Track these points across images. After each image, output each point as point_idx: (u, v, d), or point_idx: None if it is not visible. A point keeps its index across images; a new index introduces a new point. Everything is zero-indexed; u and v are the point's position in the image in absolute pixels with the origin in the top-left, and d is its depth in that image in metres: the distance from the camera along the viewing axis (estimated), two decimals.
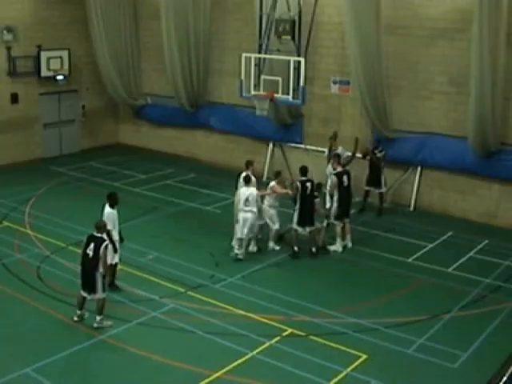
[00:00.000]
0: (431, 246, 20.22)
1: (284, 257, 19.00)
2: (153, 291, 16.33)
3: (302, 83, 22.12)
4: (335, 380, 12.75)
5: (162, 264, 18.10)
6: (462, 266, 18.67)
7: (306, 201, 18.96)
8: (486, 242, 20.30)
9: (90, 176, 26.74)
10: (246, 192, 18.75)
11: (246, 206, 18.60)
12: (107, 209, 16.31)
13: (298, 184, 18.96)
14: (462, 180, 22.66)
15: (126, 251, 18.39)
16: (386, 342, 14.33)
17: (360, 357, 13.64)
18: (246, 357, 13.51)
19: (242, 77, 23.61)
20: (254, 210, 18.67)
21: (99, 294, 14.44)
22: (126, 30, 30.18)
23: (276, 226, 19.44)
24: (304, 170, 19.38)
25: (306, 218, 19.06)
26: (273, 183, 19.40)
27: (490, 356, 13.68)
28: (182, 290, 16.57)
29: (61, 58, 29.13)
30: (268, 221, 19.39)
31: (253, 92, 23.29)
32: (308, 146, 25.78)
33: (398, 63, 23.17)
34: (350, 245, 19.91)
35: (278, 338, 14.36)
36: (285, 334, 14.55)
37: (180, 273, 17.54)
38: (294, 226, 19.13)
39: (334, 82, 24.99)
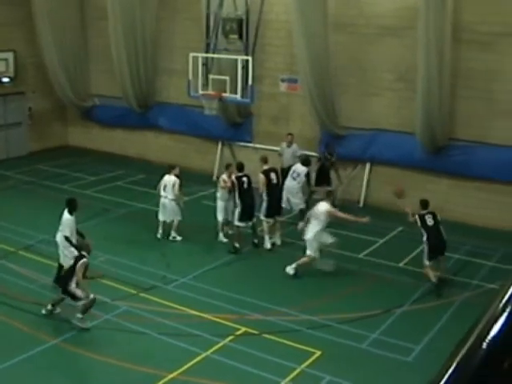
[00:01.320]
0: (382, 241, 20.40)
1: (235, 256, 18.99)
2: (105, 294, 16.19)
3: (250, 82, 22.14)
4: (290, 377, 12.78)
5: (113, 266, 17.97)
6: (412, 260, 18.83)
7: (245, 196, 19.29)
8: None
9: (38, 179, 26.40)
10: (166, 180, 20.29)
11: (164, 191, 20.10)
12: (66, 215, 16.04)
13: (234, 180, 19.36)
14: (411, 176, 22.87)
15: None
16: (339, 337, 14.42)
17: (314, 353, 13.70)
18: (201, 357, 13.50)
19: (190, 76, 23.55)
20: (170, 196, 20.03)
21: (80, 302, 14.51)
22: (72, 30, 29.81)
23: (220, 218, 19.95)
24: (240, 166, 19.87)
25: (247, 213, 19.37)
26: (224, 176, 19.78)
27: (443, 348, 13.79)
28: (134, 291, 16.48)
29: (6, 60, 28.70)
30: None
31: (201, 91, 23.26)
32: (257, 145, 25.81)
33: (346, 61, 23.30)
34: (278, 242, 20.03)
35: (231, 337, 14.36)
36: (238, 332, 14.55)
37: (132, 274, 17.44)
38: (236, 222, 19.36)
39: (283, 81, 25.06)
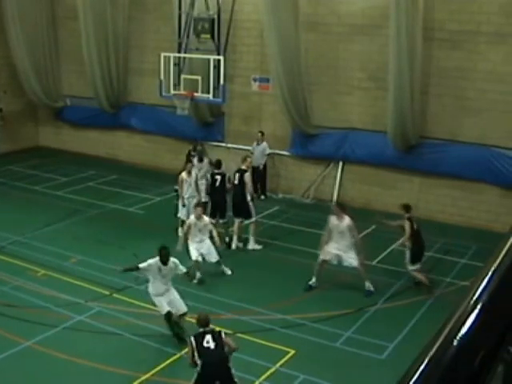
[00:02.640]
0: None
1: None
2: (77, 295, 16.12)
3: (222, 82, 22.17)
4: (264, 376, 12.79)
5: (85, 267, 17.87)
6: (385, 258, 18.91)
7: (215, 193, 19.42)
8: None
9: (9, 180, 26.19)
10: None
11: None
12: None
13: (208, 176, 19.64)
14: (384, 174, 22.98)
15: (48, 255, 18.22)
16: (313, 336, 14.44)
17: (288, 352, 13.72)
18: (175, 357, 13.48)
19: (162, 76, 23.53)
20: None
21: None
22: (43, 30, 29.61)
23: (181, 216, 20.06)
24: (217, 164, 19.97)
25: (215, 210, 19.46)
26: (183, 173, 20.10)
27: (416, 345, 13.84)
28: (107, 292, 16.41)
29: None
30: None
31: (173, 91, 23.27)
32: (229, 145, 25.81)
33: (317, 60, 23.35)
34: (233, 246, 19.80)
35: None
36: None
37: (104, 275, 17.35)
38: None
39: (255, 80, 25.06)
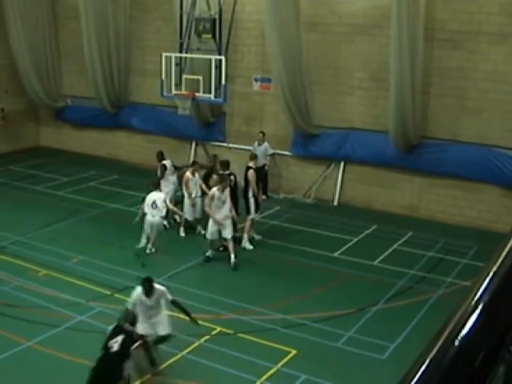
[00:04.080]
0: (356, 239, 20.45)
1: (210, 256, 18.94)
2: (79, 295, 16.12)
3: (223, 82, 22.18)
4: (266, 376, 12.78)
5: (87, 267, 17.87)
6: (387, 258, 18.92)
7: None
8: (410, 234, 20.63)
9: (10, 180, 26.17)
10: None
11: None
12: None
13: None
14: (385, 174, 22.98)
15: (49, 255, 18.22)
16: (314, 336, 14.43)
17: (290, 352, 13.71)
18: (176, 357, 13.46)
19: (163, 76, 23.55)
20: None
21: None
22: (44, 30, 29.59)
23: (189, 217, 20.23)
24: (225, 164, 19.82)
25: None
26: (188, 173, 20.11)
27: (417, 345, 13.84)
28: (109, 292, 16.40)
29: None
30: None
31: (174, 91, 23.28)
32: (231, 145, 25.81)
33: (318, 60, 23.35)
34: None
35: (207, 337, 14.33)
36: (213, 332, 14.53)
37: (106, 275, 17.35)
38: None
39: (256, 80, 25.05)
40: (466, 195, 21.84)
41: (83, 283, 16.94)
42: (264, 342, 14.12)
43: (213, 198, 18.04)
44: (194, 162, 20.95)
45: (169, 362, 13.25)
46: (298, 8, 22.66)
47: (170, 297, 13.05)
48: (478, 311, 1.97)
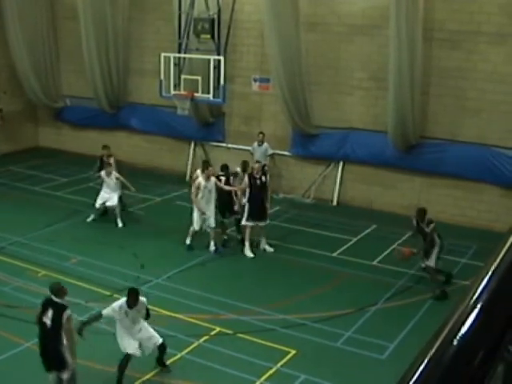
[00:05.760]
0: (355, 239, 20.45)
1: (209, 256, 18.95)
2: (78, 295, 16.07)
3: (222, 82, 22.18)
4: (265, 376, 12.78)
5: (86, 267, 17.86)
6: (386, 258, 18.91)
7: (223, 194, 19.38)
8: (409, 233, 20.58)
9: (9, 181, 26.15)
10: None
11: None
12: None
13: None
14: (384, 174, 22.97)
15: (48, 255, 18.19)
16: (314, 336, 14.44)
17: (289, 352, 13.71)
18: (175, 357, 13.45)
19: (162, 77, 23.55)
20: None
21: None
22: (43, 30, 29.55)
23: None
24: (224, 168, 19.85)
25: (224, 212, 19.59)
26: (200, 179, 19.36)
27: (417, 345, 13.82)
28: (108, 293, 16.37)
29: None
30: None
31: (173, 92, 23.29)
32: (230, 145, 25.80)
33: (318, 60, 23.34)
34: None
35: (206, 337, 14.34)
36: (213, 333, 14.53)
37: (105, 276, 17.34)
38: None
39: (255, 80, 25.04)
40: (465, 195, 21.85)
41: (82, 284, 16.93)
42: (263, 342, 14.12)
43: (199, 187, 18.47)
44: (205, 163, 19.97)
45: (168, 362, 13.23)
46: (298, 8, 22.65)
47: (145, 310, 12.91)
48: (476, 310, 1.96)
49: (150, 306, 15.10)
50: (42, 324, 11.39)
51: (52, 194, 24.45)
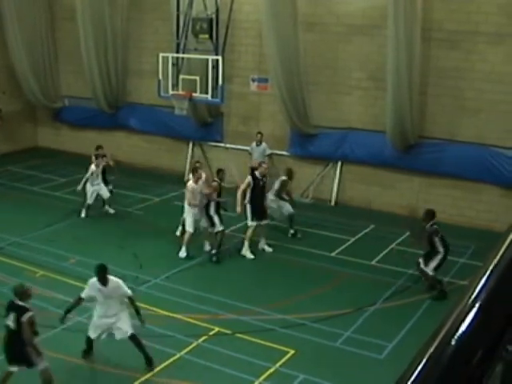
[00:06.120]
0: (354, 239, 20.45)
1: (207, 256, 18.92)
2: (76, 295, 16.05)
3: (220, 82, 22.18)
4: (264, 376, 12.78)
5: (84, 267, 17.77)
6: (384, 258, 18.92)
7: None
8: (408, 233, 20.59)
9: (7, 181, 26.13)
10: None
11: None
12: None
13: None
14: (383, 174, 22.98)
15: (47, 256, 18.18)
16: (313, 336, 14.44)
17: (288, 352, 13.71)
18: (174, 357, 13.46)
19: (160, 77, 23.56)
20: None
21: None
22: (41, 31, 29.55)
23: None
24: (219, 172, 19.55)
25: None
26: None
27: (416, 344, 13.82)
28: None
29: None
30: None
31: (171, 92, 23.29)
32: (228, 145, 25.80)
33: (316, 60, 23.34)
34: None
35: (205, 337, 14.34)
36: (211, 333, 14.53)
37: None
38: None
39: (253, 80, 25.04)
40: (464, 195, 21.85)
41: (81, 284, 16.87)
42: (262, 342, 14.12)
43: (193, 191, 18.58)
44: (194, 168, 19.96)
45: (167, 362, 13.23)
46: (296, 8, 22.65)
47: (127, 291, 13.13)
48: (475, 310, 1.97)
49: (148, 306, 15.21)
50: (6, 327, 11.63)
51: (51, 194, 24.45)
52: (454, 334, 1.89)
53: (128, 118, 28.58)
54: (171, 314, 15.31)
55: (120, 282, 13.14)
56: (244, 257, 18.98)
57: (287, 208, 20.53)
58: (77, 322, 14.85)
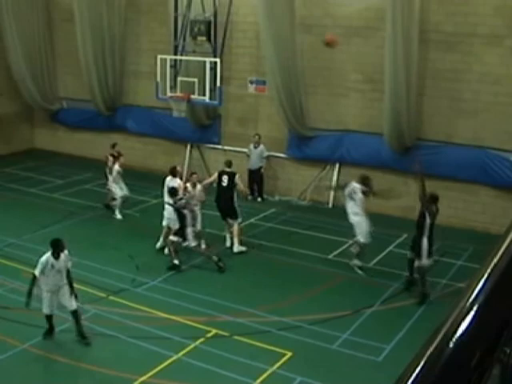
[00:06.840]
0: (351, 242, 20.41)
1: (204, 258, 18.89)
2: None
3: (218, 84, 22.18)
4: (261, 378, 12.78)
5: (81, 269, 17.76)
6: (382, 260, 18.93)
7: (222, 192, 19.29)
8: (405, 236, 20.57)
9: (4, 182, 26.09)
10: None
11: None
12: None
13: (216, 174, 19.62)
14: (380, 176, 22.93)
15: None
16: (310, 338, 14.44)
17: (285, 354, 13.71)
18: (172, 359, 13.46)
19: (158, 78, 23.55)
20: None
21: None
22: (39, 32, 29.53)
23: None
24: (228, 163, 19.84)
25: (222, 210, 19.44)
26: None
27: (413, 347, 13.81)
28: (104, 295, 16.37)
29: None
30: None
31: (169, 93, 23.30)
32: (226, 147, 25.78)
33: (313, 62, 23.34)
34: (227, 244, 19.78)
35: (202, 339, 14.33)
36: (209, 335, 14.53)
37: (101, 278, 17.32)
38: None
39: (251, 82, 25.05)
40: (460, 197, 21.85)
41: (78, 286, 16.85)
42: (259, 344, 14.12)
43: (192, 196, 18.74)
44: (192, 173, 20.09)
45: (164, 364, 13.23)
46: (293, 10, 22.67)
47: (70, 264, 14.03)
48: (472, 312, 1.97)
49: (145, 308, 15.23)
50: None
51: (48, 195, 24.44)
52: (452, 336, 1.89)
53: (125, 119, 28.56)
54: (168, 316, 15.31)
55: (66, 252, 13.85)
56: (240, 253, 19.04)
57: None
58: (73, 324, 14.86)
